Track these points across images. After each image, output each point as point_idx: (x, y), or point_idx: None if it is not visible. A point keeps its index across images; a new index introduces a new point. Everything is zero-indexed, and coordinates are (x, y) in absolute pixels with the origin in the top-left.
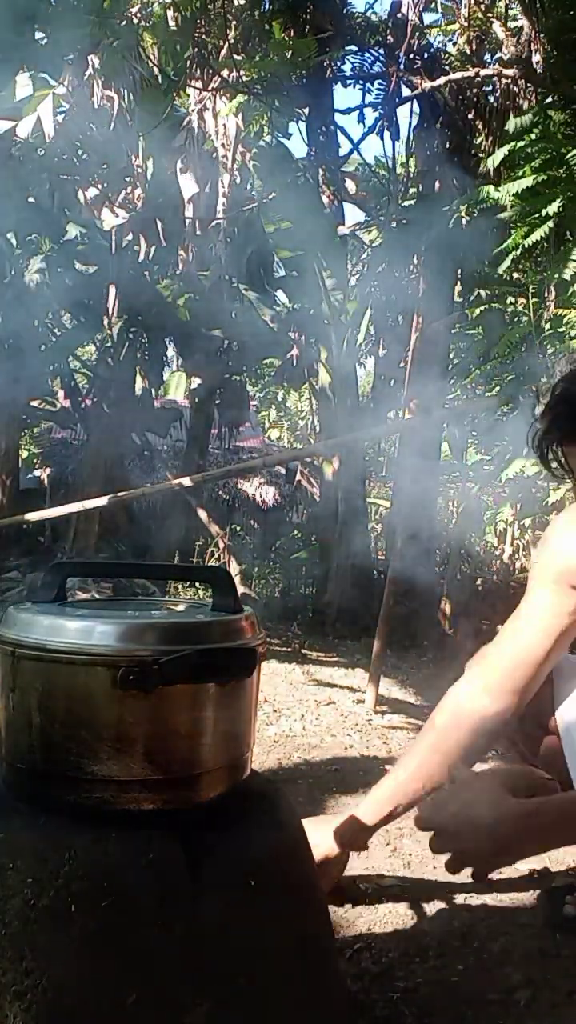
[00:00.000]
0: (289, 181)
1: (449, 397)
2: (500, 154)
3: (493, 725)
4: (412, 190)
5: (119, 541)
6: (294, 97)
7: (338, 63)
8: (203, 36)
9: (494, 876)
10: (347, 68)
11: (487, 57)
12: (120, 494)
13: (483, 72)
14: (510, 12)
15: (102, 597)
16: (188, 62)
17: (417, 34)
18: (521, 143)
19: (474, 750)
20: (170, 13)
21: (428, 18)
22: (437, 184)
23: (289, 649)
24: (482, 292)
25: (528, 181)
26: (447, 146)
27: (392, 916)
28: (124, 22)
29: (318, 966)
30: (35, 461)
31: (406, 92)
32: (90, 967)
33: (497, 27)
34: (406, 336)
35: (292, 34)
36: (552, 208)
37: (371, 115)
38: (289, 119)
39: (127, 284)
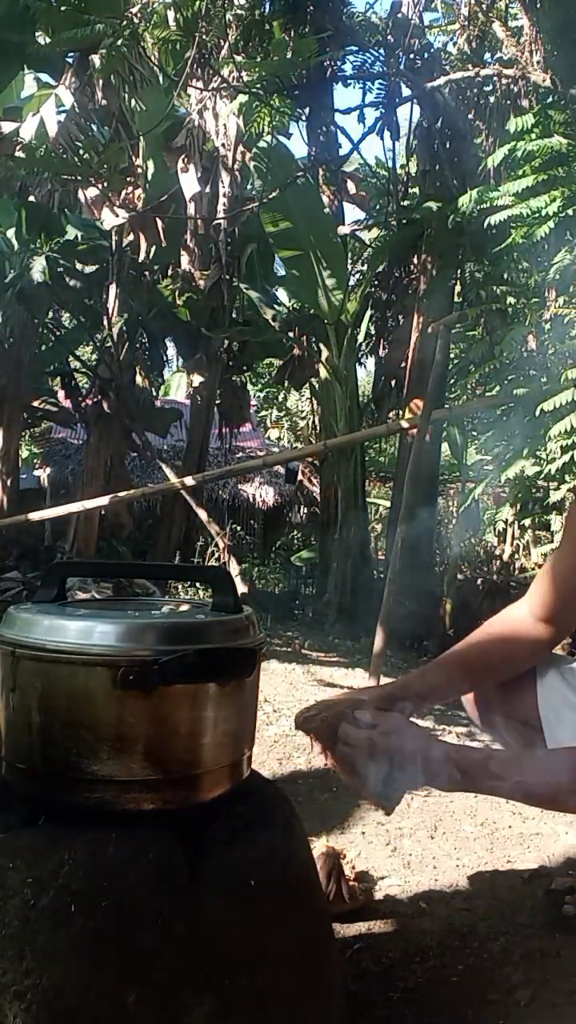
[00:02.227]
0: (289, 181)
1: (450, 397)
2: (500, 154)
3: (529, 645)
4: (412, 190)
5: (119, 541)
6: (294, 97)
7: (338, 63)
8: (203, 36)
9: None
10: (347, 68)
11: (487, 57)
12: (120, 494)
13: (483, 72)
14: (510, 12)
15: (102, 597)
16: (188, 62)
17: (417, 34)
18: (521, 142)
19: (508, 662)
20: (170, 13)
21: (428, 18)
22: (437, 183)
23: (289, 649)
24: (482, 292)
25: (528, 181)
26: (447, 146)
27: (392, 916)
28: (125, 22)
29: (318, 966)
30: (35, 461)
31: (406, 92)
32: (90, 967)
33: (497, 27)
34: (406, 336)
35: (292, 34)
36: (552, 208)
37: (371, 115)
38: (289, 119)
39: (127, 284)
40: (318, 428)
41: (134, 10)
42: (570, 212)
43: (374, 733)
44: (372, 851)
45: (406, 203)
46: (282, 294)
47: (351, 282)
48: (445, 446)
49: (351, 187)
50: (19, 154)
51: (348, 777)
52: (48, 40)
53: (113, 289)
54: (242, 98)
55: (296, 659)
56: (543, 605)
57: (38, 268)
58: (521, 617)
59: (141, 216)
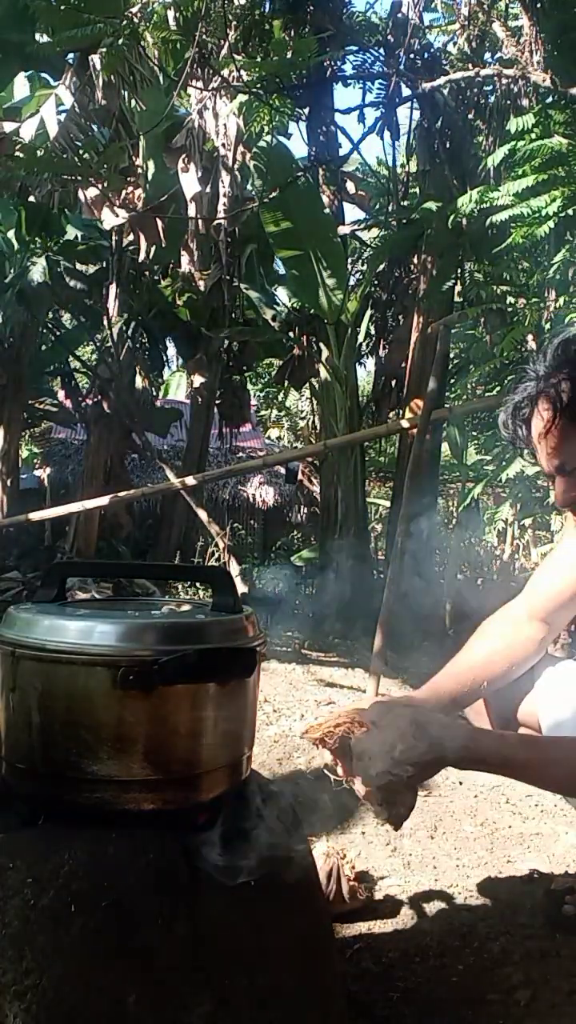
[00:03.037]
0: (289, 180)
1: (450, 397)
2: (500, 153)
3: (529, 646)
4: (412, 190)
5: (119, 541)
6: (294, 97)
7: (338, 63)
8: (203, 36)
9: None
10: (347, 68)
11: (487, 57)
12: (120, 494)
13: (483, 72)
14: (510, 12)
15: (102, 597)
16: (188, 62)
17: (417, 34)
18: (521, 142)
19: (511, 667)
20: (171, 13)
21: (428, 18)
22: (437, 184)
23: (289, 649)
24: (482, 292)
25: (528, 181)
26: (447, 146)
27: (392, 916)
28: (125, 22)
29: (318, 966)
30: (35, 461)
31: (406, 92)
32: (90, 967)
33: (497, 27)
34: (406, 336)
35: (292, 34)
36: (552, 208)
37: (371, 115)
38: (289, 119)
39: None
40: (318, 428)
41: (134, 10)
42: (570, 212)
43: (378, 734)
44: (372, 851)
45: (406, 203)
46: (282, 294)
47: (351, 282)
48: (445, 446)
49: (351, 187)
50: (19, 154)
51: (361, 790)
52: (48, 40)
53: (113, 289)
54: (242, 98)
55: (296, 659)
56: (539, 603)
57: (38, 268)
58: (518, 618)
59: (141, 216)
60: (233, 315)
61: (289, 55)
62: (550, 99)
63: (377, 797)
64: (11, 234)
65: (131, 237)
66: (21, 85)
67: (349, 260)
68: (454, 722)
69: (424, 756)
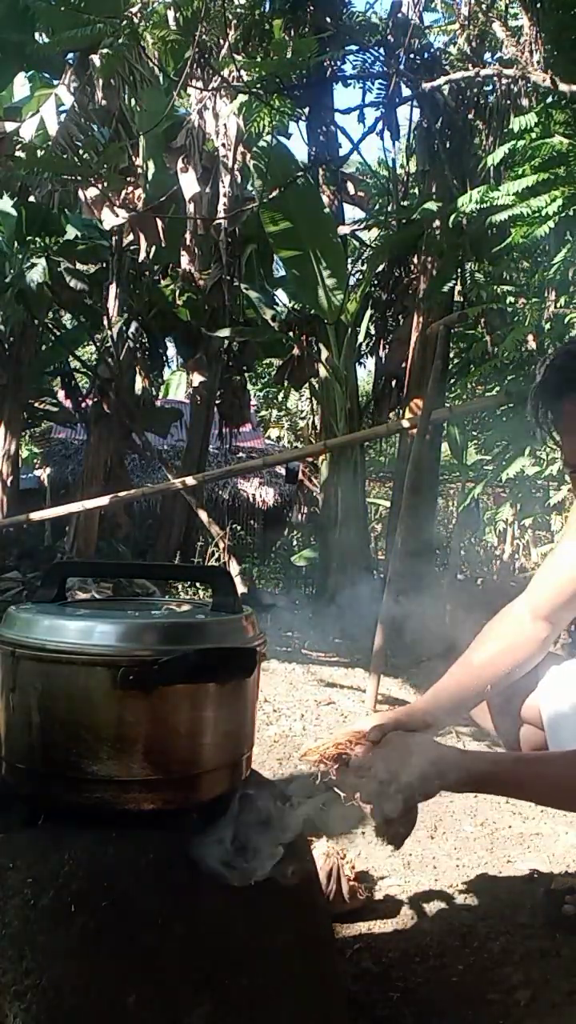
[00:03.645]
0: (289, 180)
1: (449, 397)
2: (500, 152)
3: (532, 646)
4: (412, 190)
5: (119, 541)
6: (294, 97)
7: (338, 63)
8: (203, 36)
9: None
10: (347, 68)
11: (487, 57)
12: (120, 494)
13: (483, 72)
14: (510, 12)
15: (102, 597)
16: (188, 62)
17: (417, 34)
18: (521, 142)
19: (515, 668)
20: (171, 13)
21: (428, 18)
22: (437, 184)
23: (289, 649)
24: (482, 292)
25: (528, 180)
26: (447, 146)
27: (392, 916)
28: (125, 22)
29: (318, 966)
30: (35, 461)
31: (406, 92)
32: (90, 967)
33: (497, 27)
34: (406, 336)
35: (292, 34)
36: (552, 208)
37: (371, 115)
38: (289, 119)
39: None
40: (318, 428)
41: (134, 10)
42: (570, 212)
43: (377, 757)
44: (372, 851)
45: (406, 203)
46: (282, 294)
47: (351, 282)
48: (445, 446)
49: (351, 187)
50: (19, 154)
51: (363, 806)
52: (48, 40)
53: (113, 289)
54: (242, 98)
55: (296, 659)
56: (542, 602)
57: (38, 268)
58: (521, 617)
59: (141, 216)
60: (233, 315)
61: (289, 55)
62: (550, 99)
63: (377, 818)
64: (11, 234)
65: (131, 237)
66: (21, 85)
67: (349, 260)
68: (450, 751)
69: (421, 788)
